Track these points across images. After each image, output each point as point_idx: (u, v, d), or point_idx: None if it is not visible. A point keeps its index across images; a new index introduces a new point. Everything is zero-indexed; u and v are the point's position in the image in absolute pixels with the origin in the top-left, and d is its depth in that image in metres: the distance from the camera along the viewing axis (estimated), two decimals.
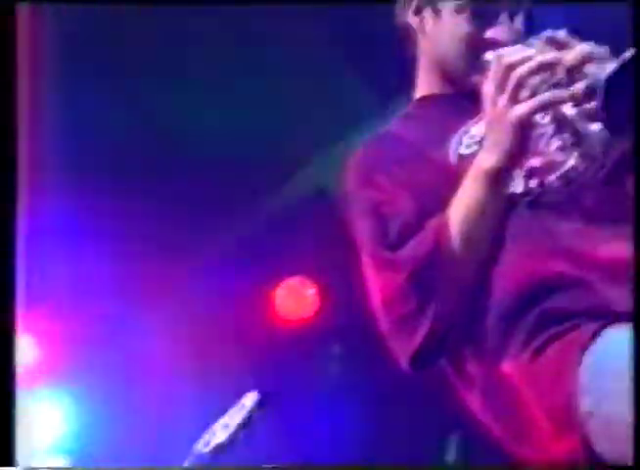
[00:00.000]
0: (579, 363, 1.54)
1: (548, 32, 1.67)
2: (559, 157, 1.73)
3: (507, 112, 1.61)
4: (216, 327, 4.37)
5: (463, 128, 1.81)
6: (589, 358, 1.54)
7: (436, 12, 1.86)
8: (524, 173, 1.72)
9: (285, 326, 4.51)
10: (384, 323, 1.76)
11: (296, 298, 4.48)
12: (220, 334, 4.38)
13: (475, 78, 1.78)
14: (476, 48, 1.79)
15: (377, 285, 1.76)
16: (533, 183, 1.71)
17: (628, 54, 1.45)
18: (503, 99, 1.62)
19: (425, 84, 1.95)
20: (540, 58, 1.60)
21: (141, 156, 3.83)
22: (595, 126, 1.62)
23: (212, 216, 4.13)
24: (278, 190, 4.18)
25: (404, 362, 1.74)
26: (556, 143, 1.74)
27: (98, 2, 3.21)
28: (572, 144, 1.71)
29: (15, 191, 1.85)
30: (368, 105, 3.77)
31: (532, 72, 1.60)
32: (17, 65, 1.92)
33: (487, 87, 1.65)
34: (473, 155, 1.73)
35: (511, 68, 1.61)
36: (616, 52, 1.51)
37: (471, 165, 1.70)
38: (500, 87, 1.62)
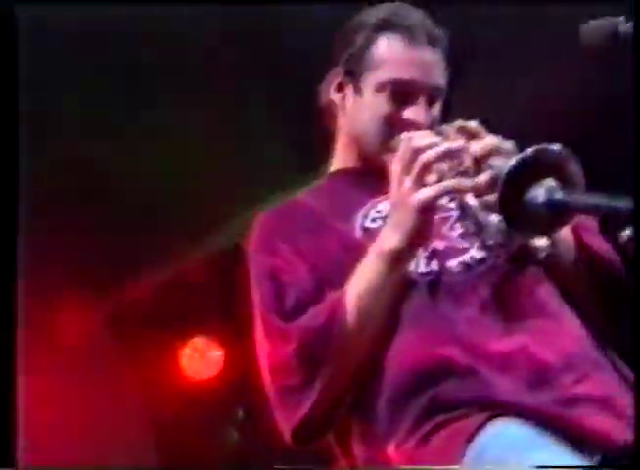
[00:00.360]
0: (463, 455, 1.52)
1: (459, 122, 1.69)
2: (461, 243, 1.74)
3: (411, 194, 1.62)
4: (120, 384, 4.29)
5: (370, 203, 1.81)
6: (472, 451, 1.52)
7: (358, 90, 1.87)
8: (426, 254, 1.72)
9: (189, 386, 4.46)
10: (269, 392, 1.73)
11: (201, 358, 4.46)
12: (123, 391, 4.29)
13: (387, 157, 1.78)
14: (392, 128, 1.81)
15: (266, 353, 1.74)
16: (434, 265, 1.72)
17: (530, 151, 1.47)
18: (408, 181, 1.63)
19: (340, 159, 1.96)
20: (447, 145, 1.62)
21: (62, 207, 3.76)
22: (495, 218, 1.64)
23: (122, 272, 4.07)
24: (188, 248, 4.15)
25: (286, 435, 1.71)
26: (459, 229, 1.75)
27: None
28: (473, 233, 1.72)
29: None
30: (292, 168, 3.78)
31: (439, 158, 1.62)
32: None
33: (395, 167, 1.66)
34: (377, 229, 1.73)
35: (418, 151, 1.62)
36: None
37: (375, 240, 1.69)
38: (406, 169, 1.63)
